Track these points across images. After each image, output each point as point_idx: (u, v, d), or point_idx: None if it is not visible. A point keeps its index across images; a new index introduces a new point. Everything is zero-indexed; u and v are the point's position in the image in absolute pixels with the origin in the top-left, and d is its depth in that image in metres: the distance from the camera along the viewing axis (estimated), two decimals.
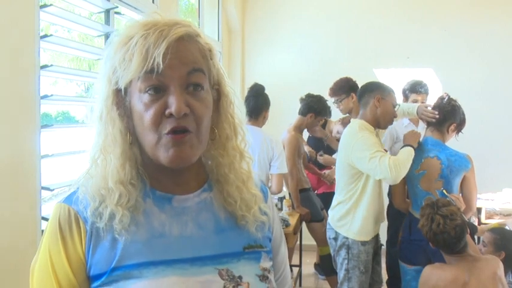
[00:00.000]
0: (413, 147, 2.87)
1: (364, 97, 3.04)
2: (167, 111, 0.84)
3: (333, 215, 3.11)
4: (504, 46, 5.29)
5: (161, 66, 0.83)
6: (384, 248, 4.20)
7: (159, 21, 0.87)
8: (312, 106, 4.11)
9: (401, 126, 4.17)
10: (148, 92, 0.85)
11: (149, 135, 0.86)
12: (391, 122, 3.09)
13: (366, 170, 2.86)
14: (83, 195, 0.89)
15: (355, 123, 3.05)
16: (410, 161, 2.82)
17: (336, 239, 3.07)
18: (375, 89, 3.03)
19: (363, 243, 3.00)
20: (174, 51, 0.84)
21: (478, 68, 5.31)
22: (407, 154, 2.83)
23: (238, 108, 0.99)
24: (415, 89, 4.06)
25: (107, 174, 0.88)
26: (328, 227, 3.17)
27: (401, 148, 2.93)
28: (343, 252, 3.02)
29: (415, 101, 4.04)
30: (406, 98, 4.10)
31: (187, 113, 0.85)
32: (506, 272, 2.68)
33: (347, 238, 3.00)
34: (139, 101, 0.86)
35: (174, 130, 0.85)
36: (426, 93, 4.08)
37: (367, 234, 3.01)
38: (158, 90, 0.85)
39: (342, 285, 3.05)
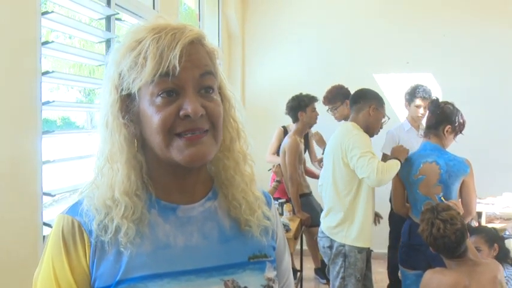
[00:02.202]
0: (400, 161, 2.92)
1: (359, 103, 3.09)
2: (182, 113, 0.84)
3: (327, 222, 3.09)
4: (503, 51, 5.30)
5: (177, 69, 0.82)
6: (385, 253, 4.21)
7: (168, 25, 0.86)
8: (294, 107, 4.16)
9: (402, 130, 4.19)
10: (161, 95, 0.84)
11: (159, 137, 0.85)
12: (377, 133, 3.17)
13: (353, 168, 2.89)
14: (87, 207, 0.87)
15: (348, 124, 3.09)
16: (396, 172, 2.88)
17: (331, 247, 3.05)
18: (371, 98, 3.09)
19: (360, 250, 2.98)
20: (188, 54, 0.84)
21: (477, 72, 5.32)
22: (395, 165, 2.89)
23: (239, 112, 0.99)
24: (420, 94, 4.05)
25: (114, 184, 0.87)
26: (321, 235, 3.14)
27: (389, 159, 2.98)
28: (339, 261, 3.00)
29: (419, 106, 4.05)
30: (408, 103, 4.12)
31: (203, 114, 0.85)
32: (503, 264, 2.69)
33: (343, 246, 2.99)
34: (151, 105, 0.85)
35: (191, 130, 0.84)
36: (430, 98, 4.04)
37: (365, 240, 3.00)
38: (171, 94, 0.84)
39: None
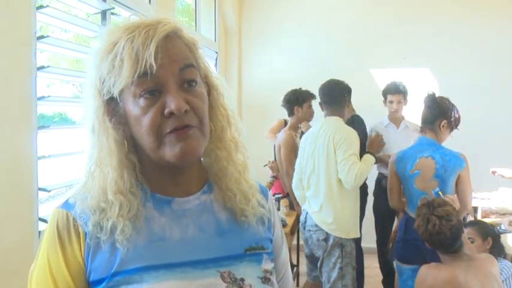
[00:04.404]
0: (375, 156, 3.07)
1: (343, 98, 3.23)
2: (167, 111, 0.82)
3: (322, 217, 3.12)
4: (500, 46, 5.30)
5: (154, 67, 0.81)
6: (374, 247, 4.25)
7: (141, 22, 0.85)
8: (291, 101, 4.16)
9: (381, 126, 4.25)
10: (144, 95, 0.83)
11: (150, 139, 0.84)
12: None
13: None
14: (81, 209, 0.87)
15: (338, 120, 3.17)
16: (370, 171, 3.06)
17: (326, 239, 3.09)
18: (345, 93, 3.27)
19: (354, 239, 3.10)
20: (164, 50, 0.83)
21: (474, 67, 5.32)
22: (370, 164, 3.08)
23: (227, 99, 0.97)
24: (390, 89, 4.24)
25: (105, 186, 0.86)
26: (315, 228, 3.16)
27: (365, 154, 3.12)
28: (336, 252, 3.06)
29: (391, 102, 4.23)
30: (385, 99, 4.28)
31: (187, 109, 0.83)
32: (496, 258, 2.70)
33: (340, 237, 3.05)
34: (135, 106, 0.84)
35: (176, 128, 0.83)
36: (402, 92, 4.22)
37: (357, 230, 3.15)
38: (153, 93, 0.83)
39: (335, 284, 3.06)
